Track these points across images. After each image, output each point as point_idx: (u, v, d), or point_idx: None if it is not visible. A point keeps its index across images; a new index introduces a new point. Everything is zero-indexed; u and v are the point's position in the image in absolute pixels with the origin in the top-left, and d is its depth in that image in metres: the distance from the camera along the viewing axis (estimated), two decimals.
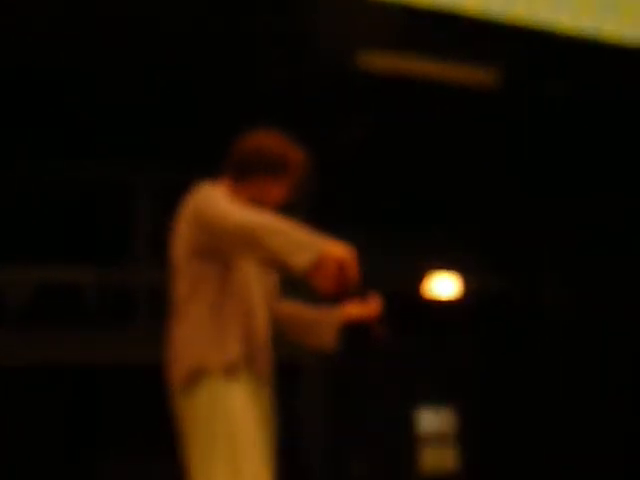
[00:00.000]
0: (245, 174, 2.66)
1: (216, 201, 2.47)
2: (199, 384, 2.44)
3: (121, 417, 5.98)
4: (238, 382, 2.47)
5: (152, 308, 5.80)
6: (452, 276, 7.22)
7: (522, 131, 6.25)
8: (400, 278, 6.67)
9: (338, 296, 2.34)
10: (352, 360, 6.56)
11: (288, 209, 2.68)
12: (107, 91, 5.46)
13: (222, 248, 2.48)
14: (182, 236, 2.56)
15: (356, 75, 5.32)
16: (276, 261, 2.26)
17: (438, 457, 7.44)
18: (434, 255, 7.00)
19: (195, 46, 5.04)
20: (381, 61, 5.30)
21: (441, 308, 7.16)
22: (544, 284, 7.52)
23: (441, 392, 7.54)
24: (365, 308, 2.73)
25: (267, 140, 2.69)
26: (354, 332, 2.78)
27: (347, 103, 5.75)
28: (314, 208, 5.01)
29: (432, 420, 7.50)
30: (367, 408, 7.15)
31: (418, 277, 7.06)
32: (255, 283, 2.64)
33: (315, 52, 5.04)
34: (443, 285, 7.17)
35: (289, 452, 3.20)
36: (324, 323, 2.77)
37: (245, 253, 2.46)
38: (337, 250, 2.22)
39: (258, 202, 2.65)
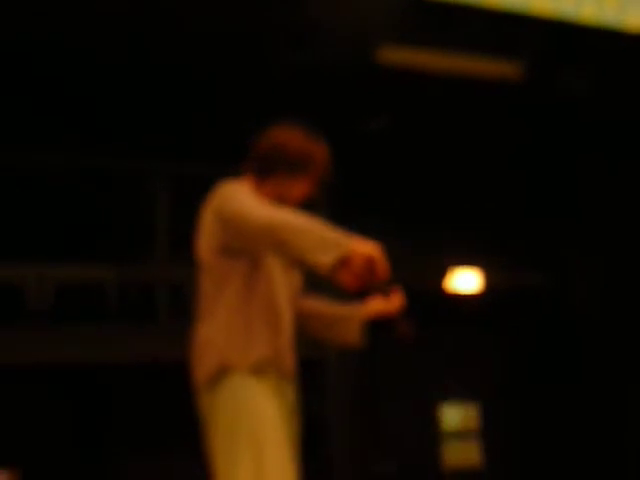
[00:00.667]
0: (267, 171, 2.64)
1: (240, 198, 2.45)
2: (224, 382, 2.45)
3: (140, 416, 5.99)
4: (263, 381, 2.48)
5: (174, 306, 5.86)
6: (476, 271, 7.20)
7: (545, 124, 6.19)
8: (424, 273, 6.68)
9: (363, 293, 2.33)
10: (376, 357, 6.56)
11: (310, 205, 2.67)
12: (127, 85, 5.45)
13: (245, 246, 2.48)
14: (206, 233, 2.56)
15: (375, 69, 5.30)
16: (300, 259, 2.24)
17: (462, 453, 7.46)
18: (458, 250, 6.96)
19: (212, 40, 5.03)
20: (400, 54, 5.29)
21: (467, 303, 7.13)
22: (575, 278, 7.46)
23: (465, 388, 7.51)
24: (389, 303, 2.72)
25: (289, 136, 2.66)
26: (379, 328, 2.77)
27: (367, 97, 5.72)
28: (335, 203, 5.01)
29: (456, 416, 7.51)
30: (391, 405, 7.14)
31: (442, 272, 7.02)
32: (280, 281, 2.63)
33: (335, 45, 5.03)
34: (468, 280, 7.15)
35: (313, 450, 3.19)
36: (349, 319, 2.76)
37: (269, 251, 2.44)
38: (364, 247, 2.19)
39: (280, 199, 2.63)
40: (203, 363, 2.51)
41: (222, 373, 2.46)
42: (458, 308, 7.02)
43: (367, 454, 6.86)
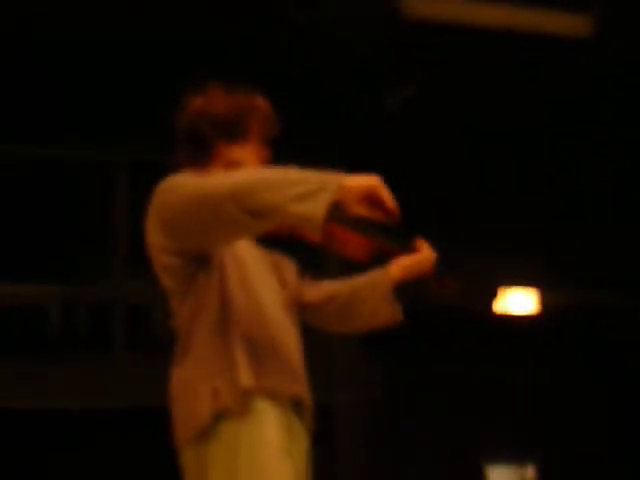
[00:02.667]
0: (200, 152, 2.60)
1: (184, 186, 2.37)
2: (215, 430, 2.42)
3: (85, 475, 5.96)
4: (259, 412, 2.43)
5: (134, 334, 5.86)
6: (531, 292, 7.23)
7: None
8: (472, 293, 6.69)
9: (372, 257, 2.29)
10: (398, 399, 6.63)
11: None
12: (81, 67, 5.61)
13: (206, 240, 2.41)
14: (157, 254, 2.49)
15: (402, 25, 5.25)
16: (282, 218, 2.18)
17: None
18: (511, 266, 6.95)
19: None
20: (433, 6, 5.25)
21: (518, 332, 7.12)
22: None
23: (518, 444, 7.41)
24: (416, 258, 2.67)
25: (207, 100, 2.62)
26: (417, 289, 2.72)
27: (393, 62, 5.73)
28: None
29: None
30: (418, 465, 7.03)
31: (492, 292, 7.00)
32: (263, 281, 2.60)
33: None
34: (520, 303, 7.18)
35: None
36: (375, 287, 2.71)
37: (240, 231, 2.37)
38: (359, 180, 2.16)
39: None
40: (184, 414, 2.50)
41: (210, 422, 2.43)
42: (510, 337, 7.01)
43: None
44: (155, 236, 2.46)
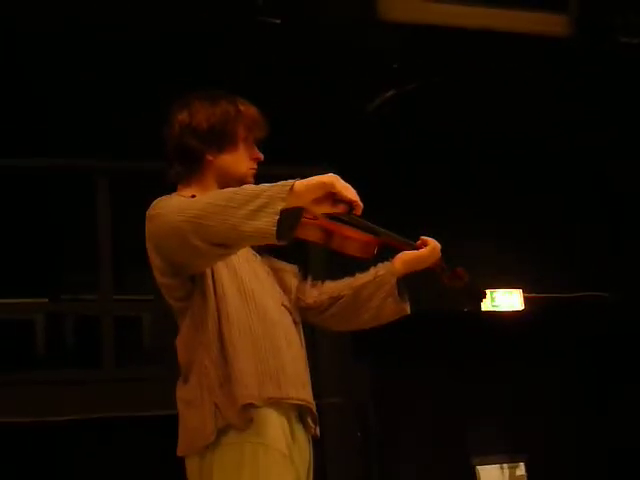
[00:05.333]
0: (193, 166, 2.61)
1: (164, 213, 2.41)
2: (219, 441, 2.46)
3: None
4: (262, 421, 2.46)
5: (122, 349, 5.75)
6: (516, 292, 7.23)
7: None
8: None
9: (373, 253, 2.31)
10: (391, 399, 6.61)
11: None
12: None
13: (194, 265, 2.44)
14: (160, 275, 2.53)
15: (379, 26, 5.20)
16: (241, 241, 2.21)
17: None
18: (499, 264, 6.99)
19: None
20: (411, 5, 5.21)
21: (505, 331, 7.09)
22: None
23: (510, 440, 7.38)
24: (421, 255, 2.72)
25: (191, 111, 2.62)
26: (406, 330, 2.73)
27: (371, 65, 5.63)
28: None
29: (499, 478, 7.43)
30: (412, 457, 7.03)
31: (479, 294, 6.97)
32: (261, 290, 2.60)
33: None
34: (506, 302, 7.19)
35: None
36: (381, 286, 2.72)
37: (210, 259, 2.39)
38: (313, 182, 2.17)
39: (229, 184, 2.53)
40: (185, 431, 2.53)
41: (214, 436, 2.45)
42: (501, 335, 6.99)
43: None
44: (152, 257, 2.50)
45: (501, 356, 7.07)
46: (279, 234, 2.10)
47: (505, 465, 7.45)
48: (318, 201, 2.18)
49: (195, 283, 2.47)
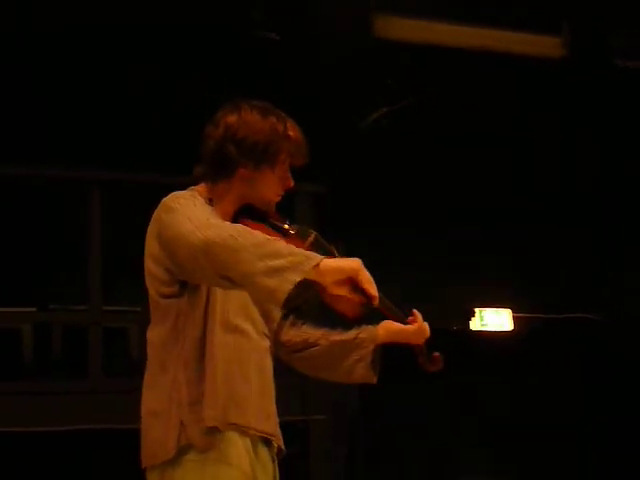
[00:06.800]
0: (223, 172, 2.51)
1: (181, 215, 2.33)
2: (183, 461, 2.41)
3: None
4: (225, 445, 2.42)
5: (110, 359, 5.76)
6: (505, 312, 7.23)
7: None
8: (444, 311, 6.65)
9: (363, 317, 2.26)
10: (374, 413, 6.54)
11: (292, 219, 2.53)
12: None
13: (192, 277, 2.37)
14: (152, 264, 2.46)
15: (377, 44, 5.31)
16: (247, 286, 2.17)
17: None
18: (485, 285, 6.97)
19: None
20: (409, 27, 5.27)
21: (493, 349, 7.09)
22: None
23: (494, 459, 7.35)
24: (408, 330, 2.64)
25: (244, 118, 2.51)
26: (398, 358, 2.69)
27: (365, 82, 5.70)
28: (327, 220, 4.91)
29: None
30: (395, 477, 6.99)
31: (466, 311, 6.99)
32: (246, 314, 2.53)
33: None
34: (495, 321, 7.17)
35: None
36: (358, 349, 2.67)
37: (212, 282, 2.35)
38: (338, 263, 2.15)
39: (250, 202, 2.51)
40: (151, 441, 2.47)
41: (175, 452, 2.41)
42: (486, 353, 6.99)
43: None
44: (151, 242, 2.44)
45: (489, 374, 7.06)
46: (285, 302, 2.09)
47: None
48: (337, 283, 2.14)
49: (185, 289, 2.42)
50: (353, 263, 2.17)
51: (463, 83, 5.72)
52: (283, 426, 2.60)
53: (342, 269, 2.14)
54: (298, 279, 2.07)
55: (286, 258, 2.10)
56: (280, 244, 2.15)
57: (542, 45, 5.37)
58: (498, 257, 7.02)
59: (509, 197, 6.92)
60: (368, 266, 2.22)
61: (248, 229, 2.24)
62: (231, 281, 2.19)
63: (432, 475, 7.15)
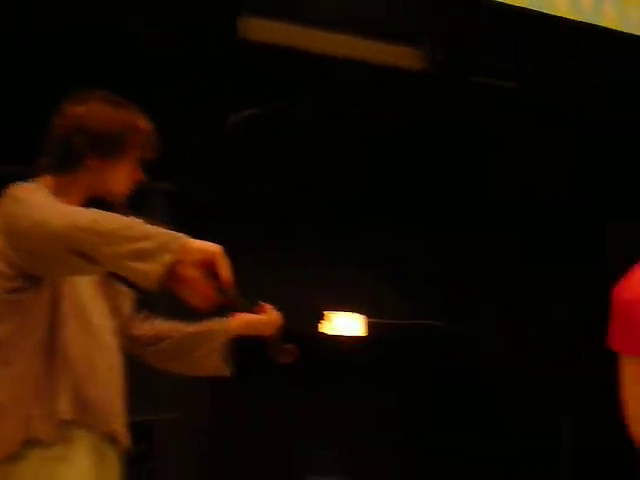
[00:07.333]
0: (69, 164, 2.48)
1: (30, 205, 2.28)
2: (24, 457, 2.38)
3: None
4: (74, 448, 2.40)
5: None
6: (358, 317, 7.30)
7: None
8: (295, 313, 6.63)
9: (214, 308, 2.25)
10: (227, 416, 6.57)
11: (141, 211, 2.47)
12: None
13: (44, 268, 2.33)
14: None
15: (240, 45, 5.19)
16: (115, 270, 2.14)
17: None
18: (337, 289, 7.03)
19: None
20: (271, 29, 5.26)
21: (343, 355, 7.17)
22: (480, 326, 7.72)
23: (343, 464, 7.46)
24: (261, 318, 2.68)
25: (91, 109, 2.48)
26: (251, 351, 2.70)
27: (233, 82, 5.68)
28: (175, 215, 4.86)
29: None
30: (246, 476, 7.06)
31: (316, 314, 7.02)
32: (97, 310, 2.52)
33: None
34: (346, 326, 7.21)
35: None
36: (210, 338, 2.68)
37: (75, 269, 2.29)
38: (201, 246, 2.12)
39: (98, 194, 2.49)
40: None
41: (20, 447, 2.38)
42: (336, 359, 7.04)
43: None
44: (4, 249, 2.36)
45: (338, 379, 7.14)
46: (158, 284, 2.08)
47: None
48: (194, 264, 2.13)
49: (29, 283, 2.37)
50: (214, 246, 2.16)
51: (326, 90, 5.76)
52: (132, 425, 2.59)
53: (203, 250, 2.13)
54: (169, 259, 2.07)
55: (155, 239, 2.09)
56: (145, 226, 2.14)
57: (402, 56, 5.42)
58: (355, 261, 7.06)
59: (367, 202, 6.99)
60: None
61: (110, 213, 2.22)
62: (95, 265, 2.15)
63: (282, 473, 7.20)
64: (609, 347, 2.72)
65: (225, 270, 2.15)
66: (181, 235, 2.13)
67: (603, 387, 2.86)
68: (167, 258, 2.07)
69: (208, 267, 2.13)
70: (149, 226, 2.14)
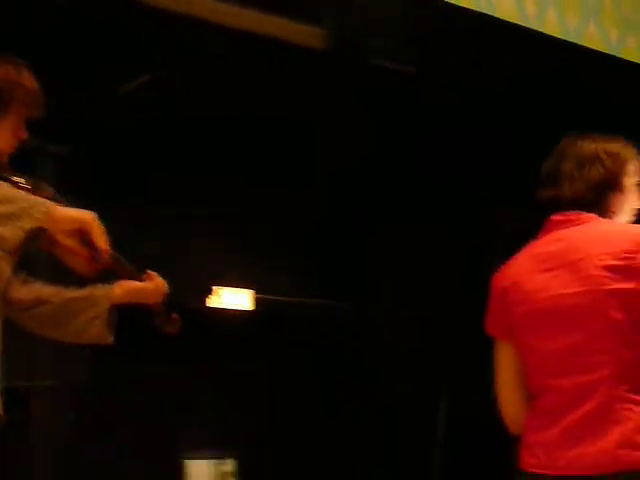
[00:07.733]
0: None
1: None
2: None
3: None
4: None
5: None
6: (246, 291, 7.30)
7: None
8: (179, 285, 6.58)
9: (97, 275, 2.23)
10: (106, 386, 6.48)
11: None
12: None
13: None
14: None
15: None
16: None
17: None
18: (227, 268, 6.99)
19: None
20: None
21: (229, 329, 7.11)
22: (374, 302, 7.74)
23: (221, 437, 7.47)
24: (145, 286, 2.65)
25: None
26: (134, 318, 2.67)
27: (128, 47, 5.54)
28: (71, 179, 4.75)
29: (207, 474, 7.48)
30: (118, 456, 6.92)
31: (201, 287, 6.95)
32: None
33: None
34: (234, 300, 7.20)
35: None
36: (92, 307, 2.61)
37: None
38: (71, 214, 2.10)
39: None
40: None
41: None
42: (217, 334, 6.99)
43: None
44: None
45: (223, 354, 7.12)
46: (17, 250, 2.06)
47: (214, 461, 7.55)
48: (67, 233, 2.11)
49: None
50: (86, 214, 2.14)
51: (222, 61, 5.72)
52: (6, 391, 2.52)
53: (73, 218, 2.10)
54: (29, 226, 2.03)
55: (17, 203, 2.05)
56: (10, 190, 2.10)
57: (304, 34, 5.42)
58: (245, 235, 7.05)
59: (261, 178, 6.96)
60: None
61: None
62: None
63: (157, 449, 7.16)
64: (486, 332, 2.79)
65: (99, 238, 2.13)
66: (46, 201, 2.10)
67: (482, 366, 2.93)
68: (28, 223, 2.03)
69: (83, 235, 2.11)
70: (14, 190, 2.11)
